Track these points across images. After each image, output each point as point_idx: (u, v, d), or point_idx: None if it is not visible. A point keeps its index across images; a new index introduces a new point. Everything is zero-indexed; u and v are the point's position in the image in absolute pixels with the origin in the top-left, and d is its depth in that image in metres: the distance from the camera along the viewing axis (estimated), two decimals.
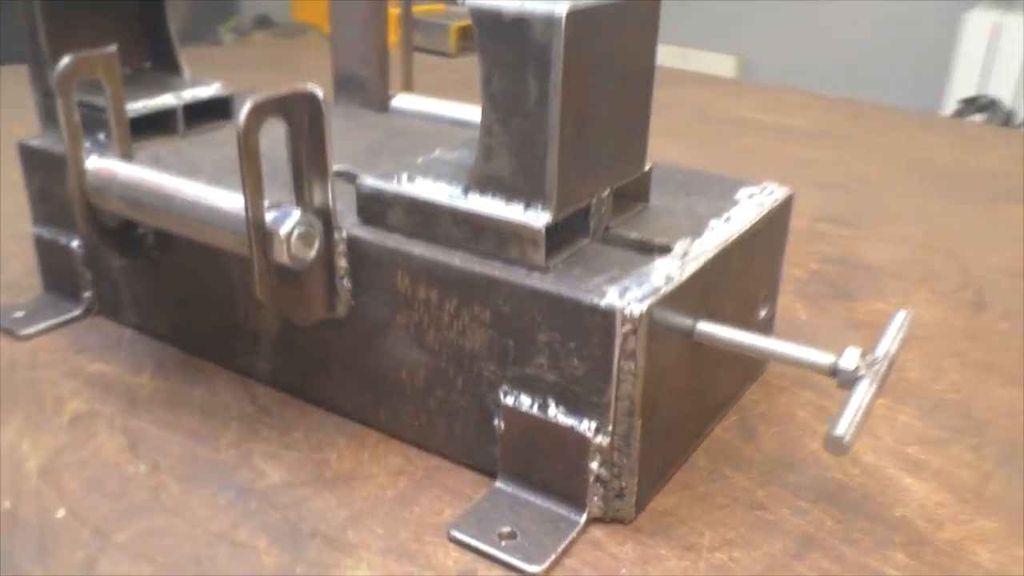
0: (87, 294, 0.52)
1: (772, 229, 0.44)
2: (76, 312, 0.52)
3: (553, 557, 0.35)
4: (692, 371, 0.39)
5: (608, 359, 0.34)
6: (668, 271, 0.36)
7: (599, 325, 0.34)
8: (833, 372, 0.35)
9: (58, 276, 0.53)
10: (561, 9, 0.32)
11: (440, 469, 0.40)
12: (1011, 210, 0.75)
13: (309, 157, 0.37)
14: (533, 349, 0.36)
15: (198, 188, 0.40)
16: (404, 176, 0.39)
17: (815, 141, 0.94)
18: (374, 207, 0.39)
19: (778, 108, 1.08)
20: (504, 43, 0.34)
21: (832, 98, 1.15)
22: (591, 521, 0.37)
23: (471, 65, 0.40)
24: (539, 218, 0.35)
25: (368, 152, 0.48)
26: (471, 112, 0.58)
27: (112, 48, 0.43)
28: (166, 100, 0.52)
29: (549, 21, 0.33)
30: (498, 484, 0.38)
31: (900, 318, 0.37)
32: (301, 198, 0.38)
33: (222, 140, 0.52)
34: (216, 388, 0.46)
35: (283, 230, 0.37)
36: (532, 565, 0.34)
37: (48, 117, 0.52)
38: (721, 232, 0.40)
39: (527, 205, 0.36)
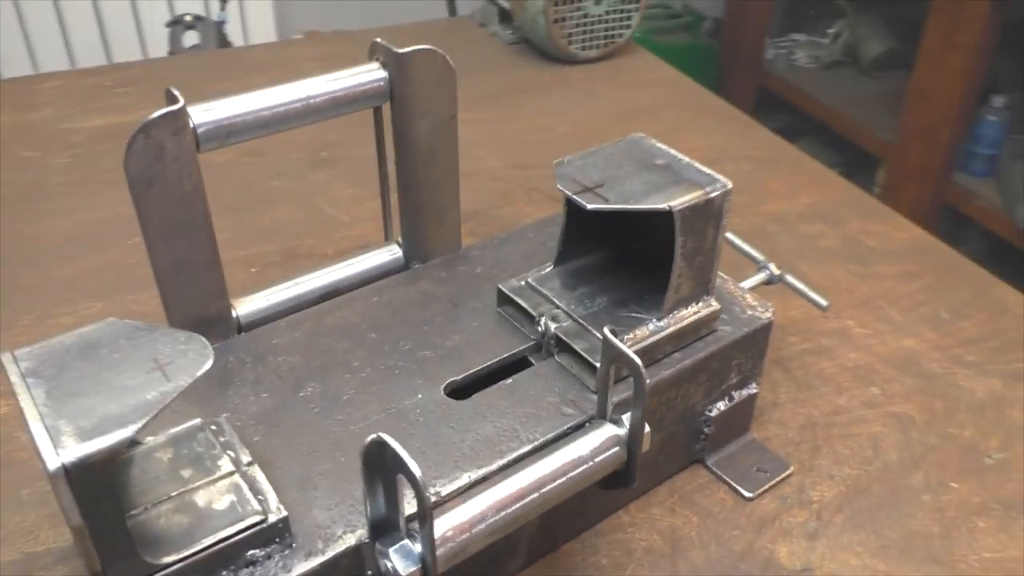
0: None
1: None
2: None
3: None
4: None
5: (764, 344, 0.57)
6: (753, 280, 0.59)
7: (764, 333, 0.56)
8: (768, 281, 0.64)
9: None
10: (727, 180, 0.50)
11: (676, 490, 0.57)
12: None
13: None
14: (727, 372, 0.56)
15: (558, 453, 0.44)
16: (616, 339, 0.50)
17: None
18: None
19: None
20: (696, 219, 0.49)
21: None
22: None
23: None
24: (711, 303, 0.54)
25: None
26: (310, 283, 0.59)
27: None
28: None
29: (725, 191, 0.50)
30: (710, 462, 0.59)
31: (731, 237, 0.68)
32: (602, 409, 0.47)
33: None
34: None
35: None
36: (788, 468, 0.59)
37: None
38: None
39: (698, 301, 0.53)
